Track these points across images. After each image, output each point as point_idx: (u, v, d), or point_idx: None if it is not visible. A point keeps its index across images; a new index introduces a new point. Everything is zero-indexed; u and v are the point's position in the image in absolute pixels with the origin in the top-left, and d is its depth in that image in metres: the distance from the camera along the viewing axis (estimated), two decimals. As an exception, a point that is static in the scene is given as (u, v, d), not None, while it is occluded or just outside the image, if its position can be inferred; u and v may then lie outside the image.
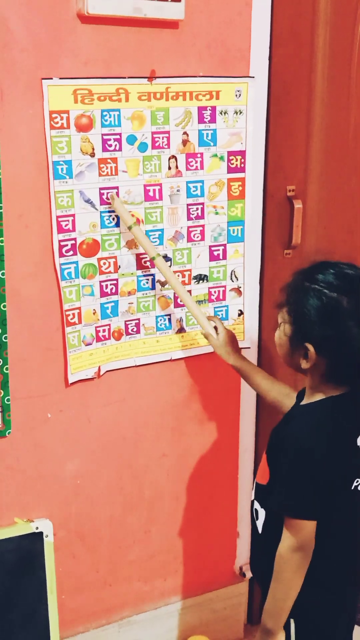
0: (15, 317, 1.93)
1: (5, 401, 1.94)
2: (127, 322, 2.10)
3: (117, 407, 2.13)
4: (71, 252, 1.96)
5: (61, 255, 1.95)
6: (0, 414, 1.94)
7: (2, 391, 1.93)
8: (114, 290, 2.06)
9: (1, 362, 1.91)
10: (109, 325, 2.07)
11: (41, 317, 1.97)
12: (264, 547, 1.66)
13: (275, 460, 1.64)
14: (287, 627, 1.64)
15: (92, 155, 1.94)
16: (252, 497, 1.74)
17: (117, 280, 2.06)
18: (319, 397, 1.63)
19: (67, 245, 1.95)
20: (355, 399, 1.61)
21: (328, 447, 1.56)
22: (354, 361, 1.57)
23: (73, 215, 1.95)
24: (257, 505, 1.70)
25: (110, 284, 2.05)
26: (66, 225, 1.94)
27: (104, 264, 2.03)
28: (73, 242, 1.96)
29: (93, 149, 1.93)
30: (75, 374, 2.02)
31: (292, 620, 1.64)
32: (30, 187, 1.88)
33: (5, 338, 1.91)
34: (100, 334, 2.06)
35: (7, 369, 1.93)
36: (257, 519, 1.70)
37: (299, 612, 1.63)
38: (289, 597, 1.60)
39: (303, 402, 1.68)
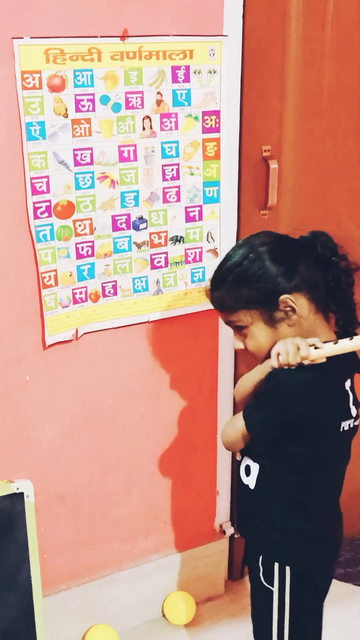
0: (-9, 280, 1.93)
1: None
2: (104, 284, 2.11)
3: (95, 369, 2.15)
4: (46, 214, 1.96)
5: (36, 217, 1.94)
6: (-22, 377, 1.95)
7: (-21, 354, 1.94)
8: (90, 252, 2.06)
9: (-22, 325, 1.92)
10: (86, 287, 2.08)
11: (17, 279, 1.97)
12: (258, 501, 1.70)
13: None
14: (281, 575, 1.68)
15: (66, 116, 1.93)
16: (239, 457, 1.76)
17: (93, 242, 2.06)
18: (320, 328, 1.65)
19: (41, 207, 1.95)
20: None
21: (319, 392, 1.60)
22: (325, 276, 1.64)
23: (47, 177, 1.94)
24: (248, 461, 1.72)
25: (86, 246, 2.05)
26: (40, 187, 1.93)
27: (80, 225, 2.02)
28: (48, 204, 1.96)
29: (66, 110, 1.92)
30: (52, 336, 2.03)
31: (287, 568, 1.68)
32: (3, 148, 1.87)
33: (-18, 301, 1.91)
34: (77, 296, 2.06)
35: (-16, 331, 1.93)
36: (247, 475, 1.72)
37: (293, 559, 1.69)
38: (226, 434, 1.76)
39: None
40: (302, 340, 1.57)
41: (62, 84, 1.90)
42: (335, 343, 1.57)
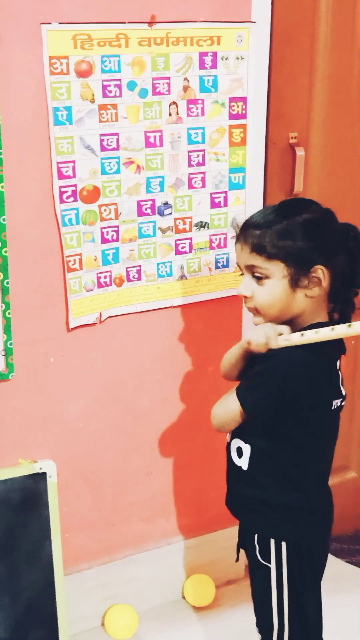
0: (17, 263, 1.96)
1: (8, 345, 1.98)
2: (129, 269, 2.13)
3: (119, 353, 2.17)
4: (72, 199, 1.98)
5: (62, 201, 1.97)
6: (3, 358, 1.99)
7: (5, 335, 1.97)
8: (114, 237, 2.08)
9: (3, 307, 1.95)
10: (110, 271, 2.10)
11: (42, 263, 2.00)
12: (253, 481, 1.72)
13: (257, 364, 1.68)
14: (278, 550, 1.71)
15: (92, 101, 1.94)
16: (230, 438, 1.77)
17: (118, 227, 2.08)
18: (321, 316, 1.68)
19: (67, 191, 1.97)
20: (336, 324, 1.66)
21: (314, 371, 1.62)
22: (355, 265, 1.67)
23: (73, 162, 1.96)
24: (239, 443, 1.73)
25: (111, 231, 2.07)
26: (66, 171, 1.96)
27: (105, 210, 2.04)
28: (73, 188, 1.98)
29: (93, 95, 1.94)
30: (76, 319, 2.06)
31: (283, 543, 1.70)
32: (30, 133, 1.90)
33: (7, 283, 1.94)
34: (102, 280, 2.09)
35: (9, 313, 1.96)
36: (240, 456, 1.74)
37: (288, 533, 1.71)
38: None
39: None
40: (273, 329, 1.62)
41: (89, 69, 1.92)
42: (302, 335, 1.60)
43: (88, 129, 1.96)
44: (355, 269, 1.68)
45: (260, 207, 2.28)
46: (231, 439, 1.76)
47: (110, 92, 1.96)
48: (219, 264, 2.25)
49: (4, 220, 1.90)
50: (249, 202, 2.25)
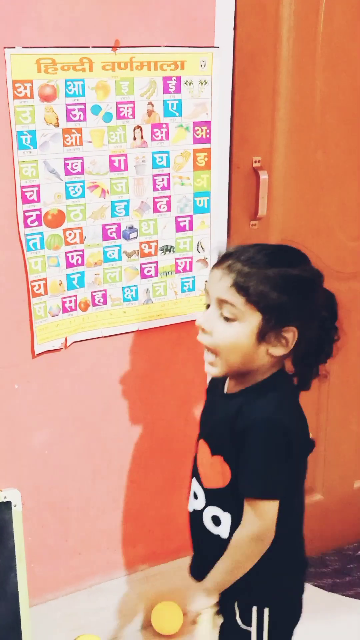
0: (-19, 288, 1.93)
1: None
2: (94, 293, 2.11)
3: (85, 378, 2.15)
4: (36, 223, 1.96)
5: (26, 225, 1.95)
6: (-34, 385, 1.95)
7: (-32, 362, 1.94)
8: (80, 261, 2.06)
9: (-33, 333, 1.92)
10: (76, 296, 2.08)
11: (7, 287, 1.97)
12: None
13: (240, 449, 1.52)
14: (260, 616, 1.63)
15: (57, 125, 1.93)
16: (202, 506, 1.63)
17: (83, 251, 2.06)
18: (269, 373, 1.57)
19: (32, 215, 1.95)
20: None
21: (296, 421, 1.56)
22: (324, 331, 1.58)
23: (38, 186, 1.94)
24: (216, 511, 1.60)
25: (76, 255, 2.05)
26: (31, 195, 1.94)
27: (70, 234, 2.03)
28: (38, 212, 1.96)
29: (57, 119, 1.93)
30: (41, 344, 2.03)
31: (266, 610, 1.62)
32: (-6, 157, 1.88)
33: (-29, 309, 1.92)
34: (67, 304, 2.07)
35: (-27, 340, 1.94)
36: (217, 524, 1.60)
37: (273, 599, 1.63)
38: (235, 577, 1.57)
39: (252, 382, 1.57)
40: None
41: (53, 93, 1.91)
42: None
43: (52, 153, 1.94)
44: (324, 340, 1.58)
45: (224, 231, 2.29)
46: (205, 506, 1.62)
47: (74, 116, 1.95)
48: (184, 288, 2.24)
49: (-33, 245, 1.87)
50: (214, 225, 2.25)
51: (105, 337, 2.15)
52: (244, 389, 1.57)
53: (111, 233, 2.09)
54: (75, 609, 2.27)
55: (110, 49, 1.96)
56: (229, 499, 1.57)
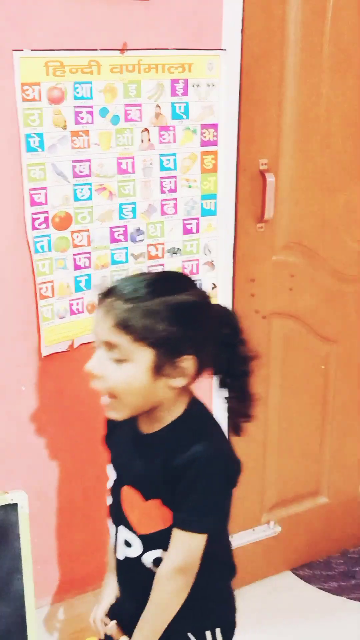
0: (-12, 290, 1.93)
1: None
2: (101, 295, 2.11)
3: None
4: (44, 226, 1.96)
5: (34, 228, 1.95)
6: (-26, 387, 1.96)
7: (-25, 364, 1.94)
8: (87, 264, 2.07)
9: (-26, 335, 1.92)
10: (83, 298, 2.08)
11: (14, 290, 1.98)
12: None
13: (176, 486, 1.46)
14: (214, 636, 1.60)
15: (65, 127, 1.93)
16: (139, 552, 1.54)
17: (90, 253, 2.06)
18: (182, 404, 1.52)
19: (39, 218, 1.95)
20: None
21: (228, 447, 1.53)
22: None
23: (45, 188, 1.95)
24: (158, 553, 1.52)
25: (84, 257, 2.06)
26: (38, 198, 1.94)
27: (77, 237, 2.03)
28: (46, 215, 1.96)
29: (65, 122, 1.93)
30: (49, 346, 2.03)
31: (217, 630, 1.60)
32: (2, 160, 1.88)
33: (-21, 311, 1.92)
34: (74, 307, 2.07)
35: (-20, 341, 1.94)
36: (158, 564, 1.52)
37: (225, 617, 1.63)
38: (167, 620, 1.51)
39: (168, 417, 1.51)
40: None
41: (61, 96, 1.91)
42: None
43: (60, 156, 1.95)
44: (232, 358, 1.53)
45: (231, 234, 2.29)
46: (143, 552, 1.54)
47: (82, 118, 1.96)
48: (191, 290, 2.24)
49: (-25, 247, 1.87)
50: (221, 228, 2.25)
51: (112, 339, 2.15)
52: (166, 427, 1.51)
53: (118, 235, 2.09)
54: (81, 611, 2.27)
55: (118, 51, 1.96)
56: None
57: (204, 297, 1.51)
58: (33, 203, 1.93)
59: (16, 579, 2.02)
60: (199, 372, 1.49)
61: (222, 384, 1.57)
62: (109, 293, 1.45)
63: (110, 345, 1.42)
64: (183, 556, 1.48)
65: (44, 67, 1.87)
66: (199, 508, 1.46)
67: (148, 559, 1.54)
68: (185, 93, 2.09)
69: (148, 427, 1.53)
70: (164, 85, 2.05)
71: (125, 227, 2.10)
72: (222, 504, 1.51)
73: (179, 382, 1.46)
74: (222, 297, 2.31)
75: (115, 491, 1.60)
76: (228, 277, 2.32)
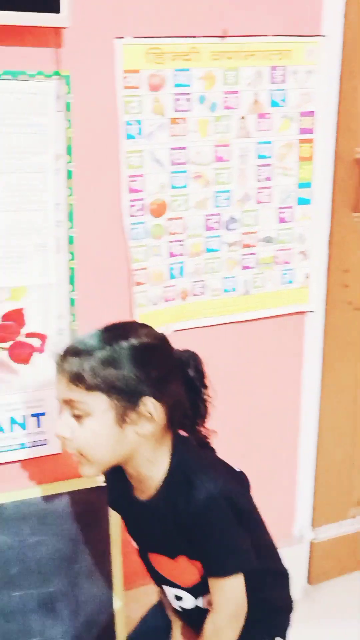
0: (84, 276, 1.96)
1: (73, 327, 1.97)
2: (194, 283, 2.11)
3: (183, 367, 2.16)
4: (140, 212, 1.98)
5: (130, 215, 1.96)
6: (68, 371, 1.99)
7: (71, 348, 1.97)
8: (181, 251, 2.07)
9: (71, 319, 1.95)
10: (176, 285, 2.09)
11: (109, 276, 2.00)
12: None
13: (193, 539, 1.47)
14: None
15: (163, 115, 1.94)
16: (192, 603, 1.57)
17: (184, 241, 2.07)
18: (166, 447, 1.49)
19: (136, 205, 1.97)
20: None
21: (225, 474, 1.52)
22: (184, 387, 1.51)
23: (142, 176, 1.96)
24: (208, 597, 1.54)
25: (178, 245, 2.06)
26: (135, 185, 1.95)
27: (172, 224, 2.04)
28: (142, 202, 1.97)
29: (164, 109, 1.93)
30: (142, 333, 2.05)
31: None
32: (101, 147, 1.90)
33: (75, 295, 1.94)
34: (168, 294, 2.08)
35: (75, 325, 1.96)
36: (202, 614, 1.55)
37: (279, 626, 1.65)
38: None
39: (155, 476, 1.49)
40: None
41: (161, 83, 1.91)
42: None
43: (158, 143, 1.95)
44: (196, 400, 1.53)
45: (326, 223, 2.26)
46: (195, 600, 1.57)
47: (180, 105, 1.96)
48: (284, 280, 2.23)
49: (73, 233, 1.90)
50: (316, 217, 2.22)
51: (203, 327, 2.15)
52: (160, 490, 1.49)
53: (213, 223, 2.09)
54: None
55: (219, 38, 1.95)
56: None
57: (160, 339, 1.49)
58: (130, 190, 1.95)
59: (105, 561, 2.05)
60: (170, 416, 1.45)
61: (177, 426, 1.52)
62: (63, 354, 1.45)
63: (68, 403, 1.42)
64: (228, 602, 1.49)
65: (145, 55, 1.87)
66: (222, 552, 1.46)
67: (202, 602, 1.57)
68: (283, 80, 2.07)
69: (142, 494, 1.53)
70: (263, 72, 2.03)
71: (220, 215, 2.09)
72: (241, 536, 1.48)
73: (147, 428, 1.42)
74: (315, 287, 2.28)
75: (144, 557, 1.62)
76: (322, 267, 2.30)
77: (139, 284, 2.01)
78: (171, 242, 2.05)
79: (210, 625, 1.51)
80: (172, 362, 1.49)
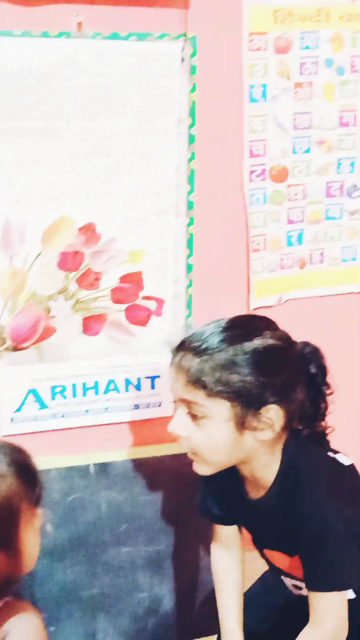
0: (202, 241, 1.95)
1: (188, 321, 1.99)
2: (312, 251, 2.08)
3: (298, 336, 2.12)
4: (260, 178, 1.96)
5: (250, 180, 1.95)
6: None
7: (187, 310, 1.98)
8: (300, 218, 2.04)
9: (187, 283, 1.96)
10: (294, 253, 2.06)
11: (227, 242, 1.99)
12: None
13: (307, 545, 1.40)
14: None
15: (288, 78, 1.90)
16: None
17: (304, 208, 2.04)
18: (279, 448, 1.42)
19: (257, 170, 1.95)
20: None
21: (336, 493, 1.41)
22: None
23: (264, 140, 1.93)
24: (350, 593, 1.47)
25: (298, 211, 2.03)
26: (257, 150, 1.93)
27: (292, 190, 2.01)
28: (263, 167, 1.95)
29: (289, 72, 1.90)
30: (257, 299, 2.04)
31: None
32: (224, 110, 1.88)
33: (192, 260, 1.95)
34: (285, 261, 2.05)
35: (191, 290, 1.97)
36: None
37: None
38: None
39: (268, 475, 1.43)
40: None
41: (287, 45, 1.87)
42: None
43: (282, 107, 1.92)
44: (317, 398, 1.44)
45: None
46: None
47: (306, 69, 1.92)
48: None
49: (192, 197, 1.90)
50: None
51: (321, 296, 2.12)
52: (271, 490, 1.43)
53: (334, 190, 2.05)
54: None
55: (349, -1, 1.90)
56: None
57: (283, 338, 1.41)
58: (252, 155, 1.92)
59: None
60: (289, 418, 1.38)
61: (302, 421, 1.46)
62: (179, 347, 1.39)
63: (187, 402, 1.36)
64: (328, 620, 1.40)
65: (272, 16, 1.84)
66: (326, 565, 1.38)
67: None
68: None
69: (254, 493, 1.48)
70: (394, 34, 1.96)
71: (342, 182, 2.05)
72: (349, 552, 1.39)
73: (267, 434, 1.36)
74: None
75: (260, 550, 1.59)
76: None
77: (255, 250, 2.00)
78: (290, 208, 2.02)
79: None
80: (296, 365, 1.41)
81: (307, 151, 1.99)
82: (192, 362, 1.33)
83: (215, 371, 1.32)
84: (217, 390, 1.32)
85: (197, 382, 1.32)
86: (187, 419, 1.36)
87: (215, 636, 2.06)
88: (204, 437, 1.35)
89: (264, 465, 1.42)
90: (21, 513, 1.13)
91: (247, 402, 1.32)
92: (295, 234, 2.05)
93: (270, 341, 1.37)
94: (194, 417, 1.35)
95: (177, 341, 1.41)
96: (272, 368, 1.34)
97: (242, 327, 1.40)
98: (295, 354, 1.42)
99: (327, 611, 1.39)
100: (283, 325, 2.10)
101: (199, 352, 1.34)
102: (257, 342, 1.35)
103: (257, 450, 1.38)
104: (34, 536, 1.17)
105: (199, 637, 2.08)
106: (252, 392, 1.32)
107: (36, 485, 1.20)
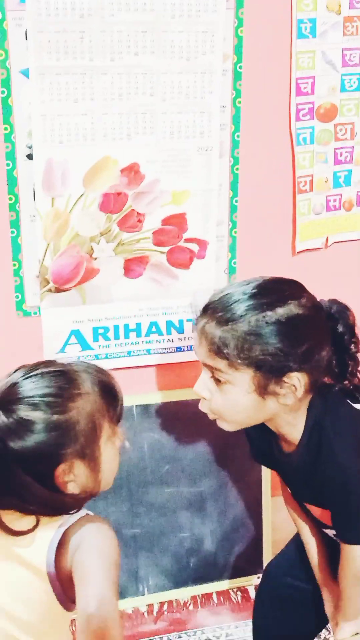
0: (247, 181, 1.92)
1: (232, 264, 1.97)
2: (360, 193, 2.04)
3: (344, 280, 2.09)
4: (308, 117, 1.91)
5: (297, 119, 1.90)
6: (226, 276, 1.98)
7: (229, 254, 1.96)
8: (348, 159, 1.99)
9: (230, 225, 1.93)
10: (341, 195, 2.02)
11: (272, 182, 1.95)
12: None
13: (337, 499, 1.39)
14: None
15: (339, 12, 1.84)
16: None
17: (352, 148, 1.98)
18: (304, 406, 1.39)
19: (304, 109, 1.89)
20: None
21: None
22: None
23: (313, 78, 1.88)
24: None
25: (345, 152, 1.98)
26: (305, 87, 1.88)
27: (341, 130, 1.95)
28: (311, 105, 1.90)
29: (339, 6, 1.83)
30: (303, 242, 2.01)
31: None
32: (272, 46, 1.83)
33: (236, 202, 1.92)
34: (331, 203, 2.01)
35: (235, 232, 1.95)
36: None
37: None
38: None
39: (297, 434, 1.40)
40: None
41: (337, -23, 1.81)
42: None
43: (331, 43, 1.86)
44: (344, 356, 1.39)
45: None
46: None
47: (357, 2, 1.84)
48: None
49: (237, 137, 1.86)
50: None
51: (367, 239, 2.09)
52: (300, 446, 1.41)
53: (384, 130, 1.99)
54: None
55: None
56: None
57: (309, 304, 1.36)
58: (299, 93, 1.87)
59: (255, 465, 2.09)
60: (313, 380, 1.35)
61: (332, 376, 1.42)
62: (204, 312, 1.35)
63: (210, 368, 1.35)
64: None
65: None
66: (357, 520, 1.37)
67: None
68: None
69: (286, 447, 1.46)
70: None
71: (393, 121, 1.99)
72: None
73: (290, 399, 1.34)
74: None
75: (300, 504, 1.58)
76: None
77: (302, 192, 1.96)
78: (338, 148, 1.97)
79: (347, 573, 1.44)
80: (322, 330, 1.36)
81: (357, 89, 1.93)
82: (215, 331, 1.32)
83: (238, 342, 1.30)
84: (239, 361, 1.30)
85: (219, 351, 1.31)
86: (211, 382, 1.36)
87: (255, 576, 2.09)
88: (226, 401, 1.35)
89: (288, 424, 1.40)
90: (103, 429, 1.18)
91: (270, 371, 1.31)
92: (343, 175, 2.00)
93: (295, 310, 1.32)
94: (217, 381, 1.34)
95: (202, 304, 1.38)
96: (296, 338, 1.31)
97: (268, 294, 1.35)
98: (322, 319, 1.37)
99: (355, 562, 1.40)
100: (328, 268, 2.09)
101: (221, 321, 1.31)
102: (280, 312, 1.31)
103: (280, 412, 1.38)
104: (114, 453, 1.21)
105: (239, 577, 2.11)
106: (274, 362, 1.30)
107: (117, 405, 1.24)
